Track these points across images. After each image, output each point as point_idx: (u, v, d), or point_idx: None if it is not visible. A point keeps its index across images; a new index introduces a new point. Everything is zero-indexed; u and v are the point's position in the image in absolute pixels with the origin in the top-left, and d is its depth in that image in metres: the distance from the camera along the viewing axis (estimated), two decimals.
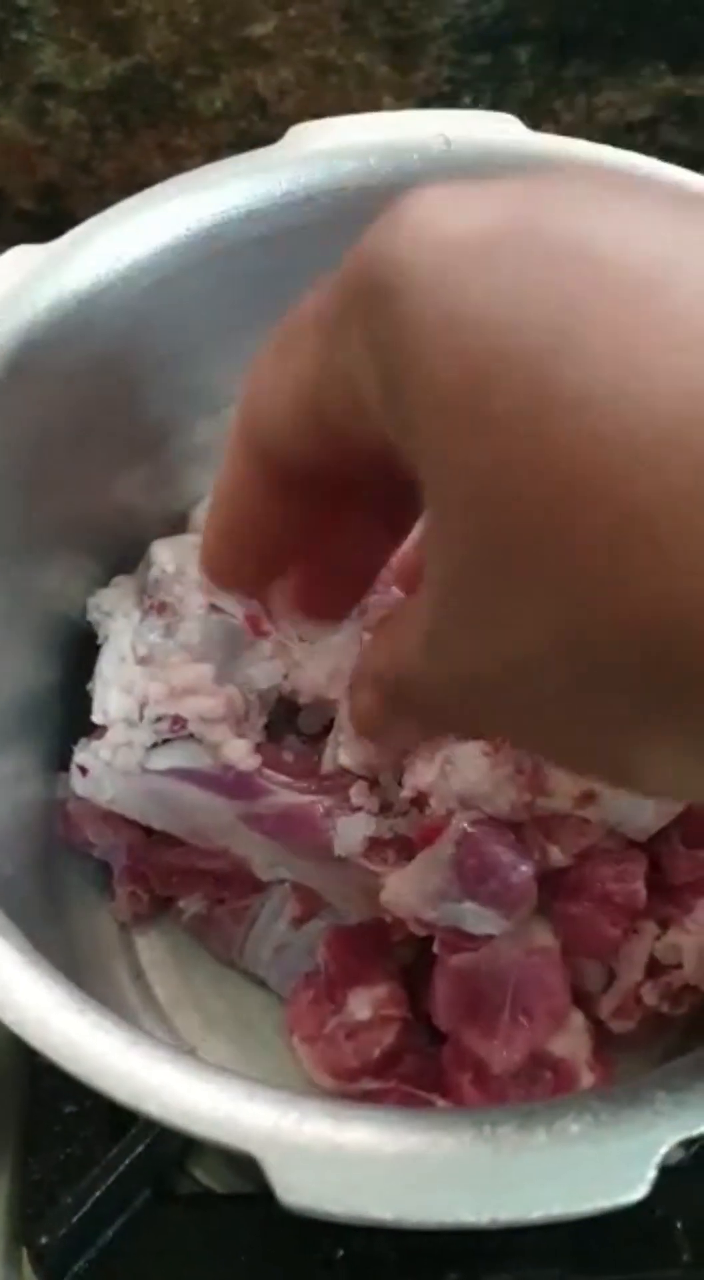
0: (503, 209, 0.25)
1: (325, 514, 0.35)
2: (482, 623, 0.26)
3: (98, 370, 0.56)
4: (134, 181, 0.95)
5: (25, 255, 0.53)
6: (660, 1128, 0.35)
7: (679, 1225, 0.60)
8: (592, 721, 0.26)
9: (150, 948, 0.65)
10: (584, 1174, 0.35)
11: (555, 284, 0.24)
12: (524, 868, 0.55)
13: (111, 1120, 0.59)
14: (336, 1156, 0.35)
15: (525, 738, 0.33)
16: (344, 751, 0.61)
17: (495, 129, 0.56)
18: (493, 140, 0.55)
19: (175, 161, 0.94)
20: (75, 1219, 0.58)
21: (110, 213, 0.54)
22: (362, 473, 0.31)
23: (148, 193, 0.55)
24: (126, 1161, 0.59)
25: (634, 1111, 0.36)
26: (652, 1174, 0.35)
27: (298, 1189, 0.35)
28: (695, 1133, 0.35)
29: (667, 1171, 0.36)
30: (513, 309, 0.24)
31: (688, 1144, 0.36)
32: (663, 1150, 0.35)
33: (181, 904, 0.64)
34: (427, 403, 0.25)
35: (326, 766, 0.61)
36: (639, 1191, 0.35)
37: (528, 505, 0.24)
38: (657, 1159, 0.35)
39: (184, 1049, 0.63)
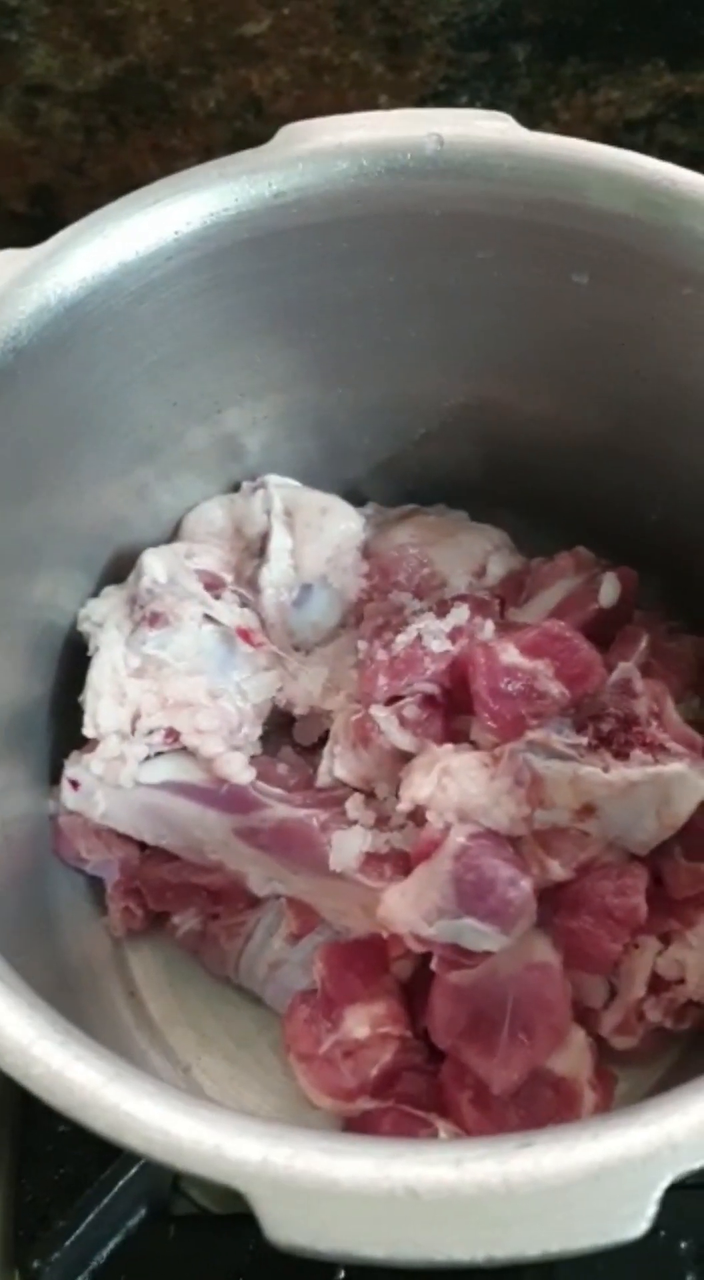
0: None
1: None
2: None
3: (85, 376, 0.55)
4: (127, 183, 0.94)
5: (10, 260, 0.52)
6: (661, 1162, 0.34)
7: (683, 1246, 0.59)
8: None
9: (144, 964, 0.64)
10: (583, 1210, 0.34)
11: None
12: (523, 883, 0.54)
13: (105, 1140, 0.58)
14: (328, 1192, 0.34)
15: None
16: (339, 763, 0.60)
17: (490, 128, 0.54)
18: (488, 140, 0.54)
19: (169, 163, 0.93)
20: (69, 1242, 0.57)
21: (96, 216, 0.53)
22: None
23: (135, 195, 0.54)
24: (121, 1182, 0.58)
25: (634, 1145, 0.34)
26: (652, 1210, 0.34)
27: (287, 1225, 0.34)
28: (695, 1166, 0.34)
29: (670, 1190, 0.35)
30: None
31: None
32: (663, 1185, 0.34)
33: (176, 920, 0.63)
34: None
35: (322, 779, 0.60)
36: (639, 1228, 0.34)
37: None
38: (657, 1194, 0.34)
39: (178, 1067, 0.62)
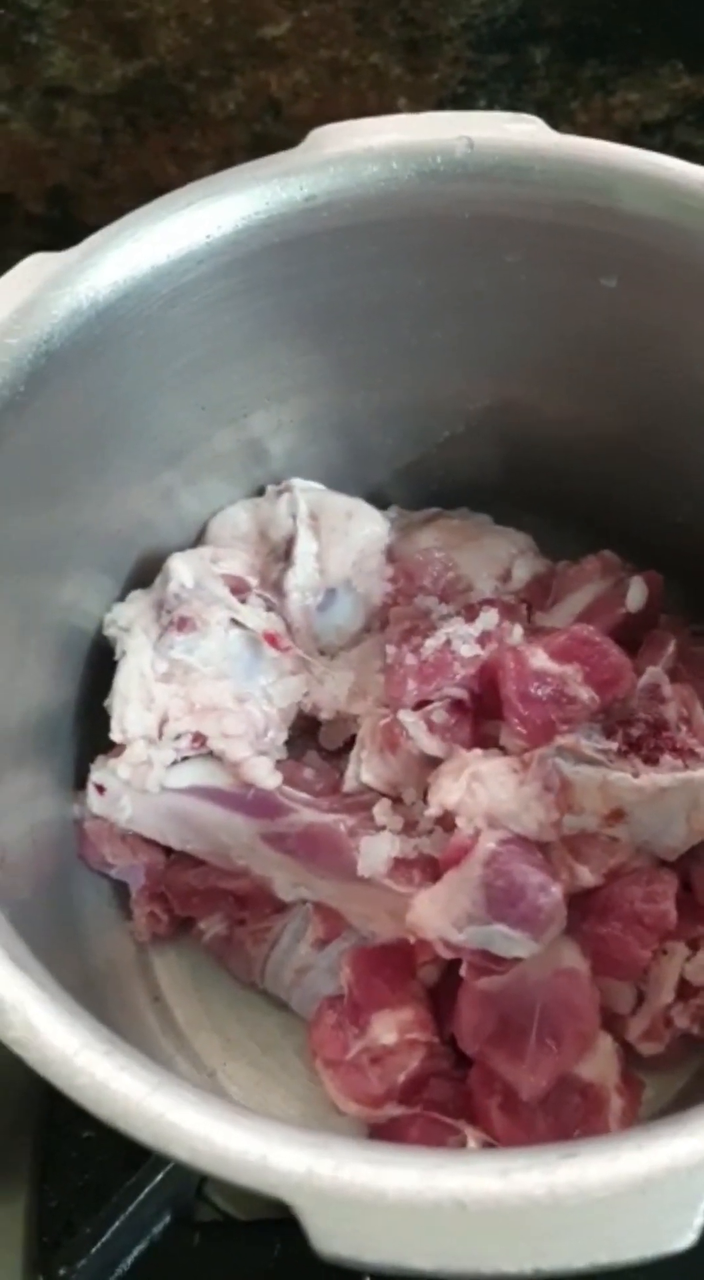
0: None
1: None
2: None
3: (115, 380, 0.55)
4: (145, 185, 0.95)
5: (41, 263, 0.52)
6: None
7: None
8: None
9: (169, 969, 0.64)
10: (629, 1221, 0.34)
11: None
12: (554, 889, 0.54)
13: (129, 1145, 0.58)
14: (374, 1203, 0.34)
15: None
16: (366, 768, 0.60)
17: (520, 131, 0.54)
18: (518, 143, 0.54)
19: (187, 165, 0.93)
20: (95, 1249, 0.57)
21: (128, 219, 0.53)
22: None
23: (167, 198, 0.54)
24: (146, 1188, 0.57)
25: (679, 1156, 0.34)
26: (699, 1221, 0.33)
27: (335, 1238, 0.34)
28: None
29: None
30: None
31: None
32: None
33: (201, 925, 0.62)
34: None
35: (349, 784, 0.60)
36: (687, 1239, 0.33)
37: None
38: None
39: (203, 1073, 0.62)
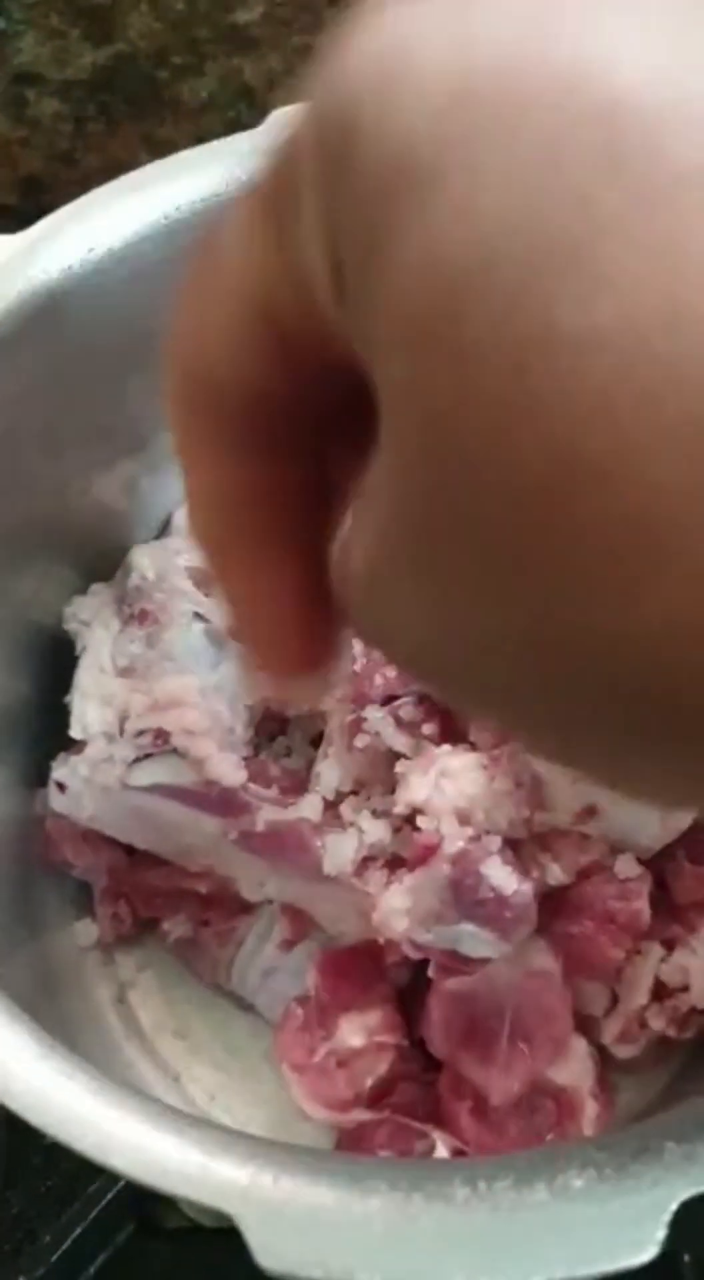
0: (512, 29, 0.18)
1: (298, 476, 0.29)
2: (424, 582, 0.21)
3: (72, 366, 0.54)
4: (118, 174, 0.93)
5: None
6: (670, 1183, 0.32)
7: (686, 1259, 0.58)
8: (550, 716, 0.22)
9: (133, 970, 0.63)
10: (589, 1234, 0.32)
11: (574, 162, 0.17)
12: (523, 887, 0.53)
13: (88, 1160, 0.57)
14: (320, 1216, 0.33)
15: (466, 701, 0.27)
16: (333, 765, 0.58)
17: None
18: None
19: (161, 153, 0.90)
20: (55, 1257, 0.56)
21: (83, 201, 0.52)
22: (327, 403, 0.26)
23: (123, 180, 0.52)
24: (110, 1194, 0.56)
25: (641, 1165, 0.33)
26: (662, 1234, 0.32)
27: (277, 1252, 0.32)
28: None
29: None
30: (516, 194, 0.17)
31: None
32: (673, 1208, 0.32)
33: (166, 926, 0.61)
34: (385, 303, 0.19)
35: (316, 782, 0.58)
36: (648, 1252, 0.32)
37: (496, 470, 0.18)
38: (667, 1216, 0.32)
39: (167, 1076, 0.60)
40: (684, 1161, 0.33)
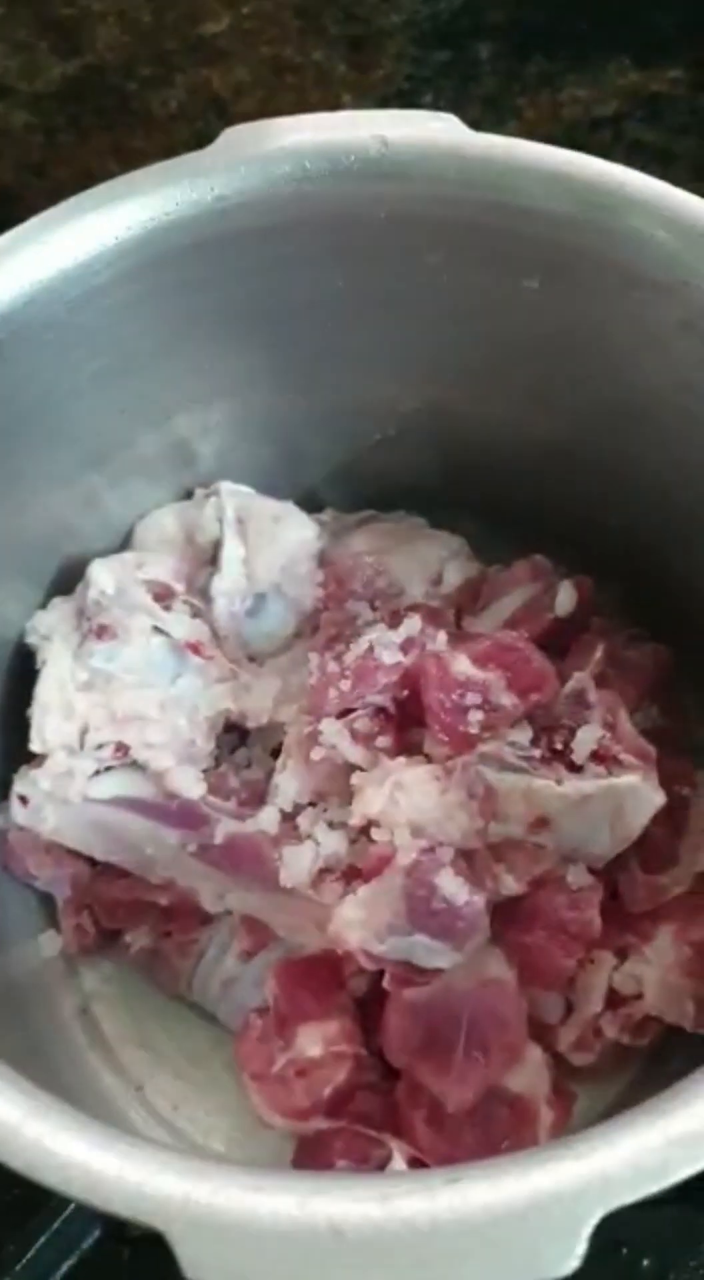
0: None
1: None
2: None
3: (26, 385, 0.54)
4: (89, 185, 0.94)
5: None
6: (590, 1198, 0.33)
7: (645, 1263, 0.58)
8: None
9: (97, 981, 0.63)
10: (511, 1247, 0.33)
11: None
12: (474, 898, 0.53)
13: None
14: (249, 1230, 0.33)
15: None
16: (291, 777, 0.59)
17: (435, 129, 0.53)
18: (432, 140, 0.53)
19: (131, 164, 0.90)
20: (20, 1265, 0.56)
21: (34, 222, 0.52)
22: None
23: (73, 200, 0.53)
24: (75, 1202, 0.56)
25: (562, 1180, 0.33)
26: (582, 1248, 0.33)
27: (203, 1265, 0.33)
28: (626, 1202, 0.33)
29: (632, 1208, 0.34)
30: None
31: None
32: (593, 1222, 0.33)
33: (128, 938, 0.62)
34: None
35: (273, 794, 0.59)
36: (569, 1266, 0.33)
37: None
38: (587, 1231, 0.33)
39: (131, 1087, 0.61)
40: (605, 1177, 0.33)
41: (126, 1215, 0.34)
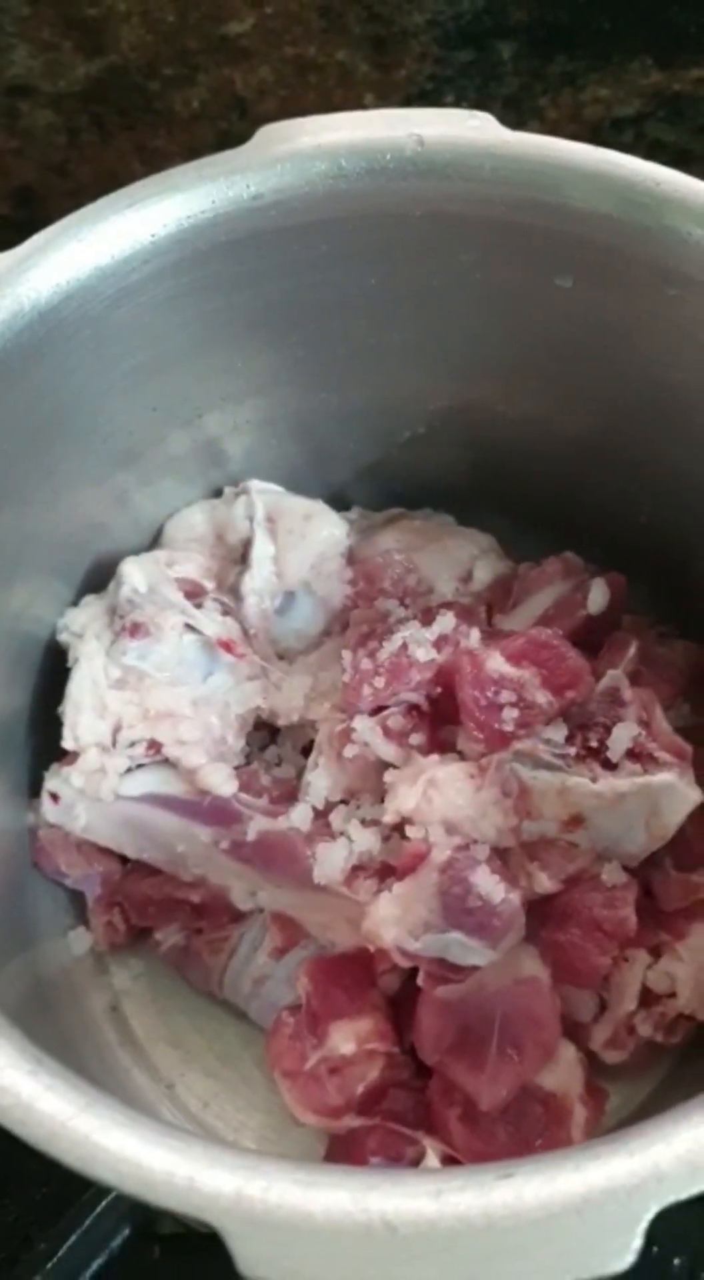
0: None
1: None
2: None
3: (61, 382, 0.54)
4: (111, 185, 0.92)
5: None
6: (646, 1193, 0.33)
7: (676, 1263, 0.58)
8: None
9: (127, 979, 0.63)
10: (566, 1243, 0.33)
11: None
12: (511, 896, 0.53)
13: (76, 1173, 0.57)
14: (303, 1227, 0.33)
15: None
16: (323, 775, 0.59)
17: (471, 127, 0.53)
18: (468, 140, 0.53)
19: (154, 163, 0.92)
20: (51, 1264, 0.55)
21: (71, 219, 0.52)
22: None
23: (111, 198, 0.53)
24: (105, 1201, 0.56)
25: (618, 1176, 0.33)
26: (638, 1243, 0.33)
27: (260, 1262, 0.33)
28: (682, 1197, 0.33)
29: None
30: None
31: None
32: (648, 1217, 0.33)
33: (158, 935, 0.62)
34: None
35: (305, 793, 0.59)
36: (625, 1261, 0.33)
37: None
38: (643, 1226, 0.33)
39: (161, 1085, 0.61)
40: (661, 1172, 0.33)
41: (179, 1210, 0.34)
